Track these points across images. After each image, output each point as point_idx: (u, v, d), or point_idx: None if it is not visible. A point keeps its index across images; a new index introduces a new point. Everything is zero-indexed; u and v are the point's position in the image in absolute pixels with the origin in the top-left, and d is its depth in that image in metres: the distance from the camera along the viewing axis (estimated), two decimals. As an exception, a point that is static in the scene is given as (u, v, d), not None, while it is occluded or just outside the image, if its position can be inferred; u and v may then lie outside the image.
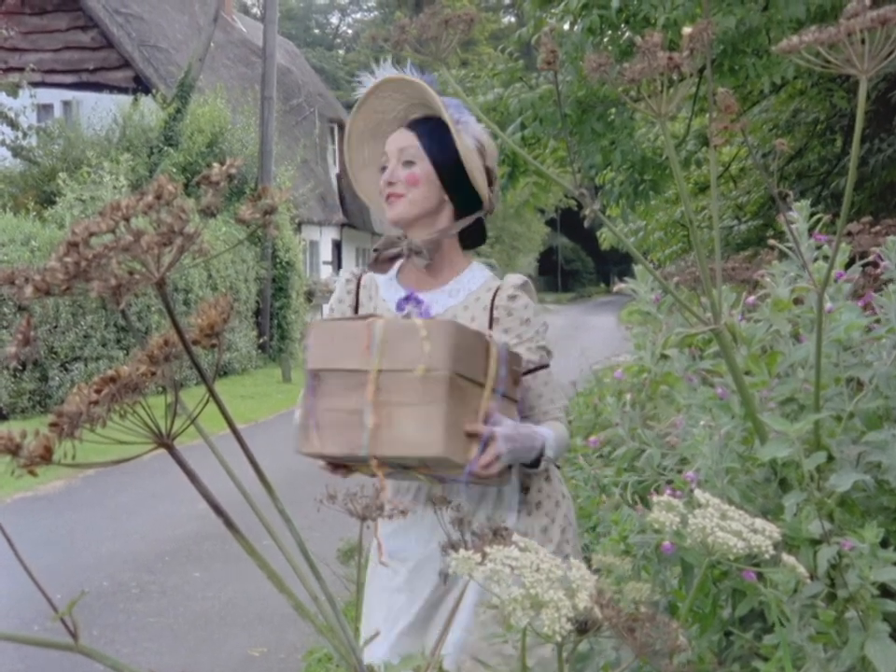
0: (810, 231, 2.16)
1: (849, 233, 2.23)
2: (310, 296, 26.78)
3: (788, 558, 1.42)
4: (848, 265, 2.12)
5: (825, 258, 2.12)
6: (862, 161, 9.46)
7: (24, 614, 6.67)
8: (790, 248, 2.14)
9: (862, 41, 1.56)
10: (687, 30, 1.64)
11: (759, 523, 1.37)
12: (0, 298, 14.40)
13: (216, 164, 1.05)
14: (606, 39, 7.97)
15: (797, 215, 2.13)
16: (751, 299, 2.23)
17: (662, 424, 2.34)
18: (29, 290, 0.99)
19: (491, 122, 2.13)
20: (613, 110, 8.27)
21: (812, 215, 2.18)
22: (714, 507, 1.38)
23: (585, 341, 26.00)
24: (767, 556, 1.32)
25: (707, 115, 2.25)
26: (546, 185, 9.75)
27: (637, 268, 2.34)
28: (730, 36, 6.94)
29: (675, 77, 1.64)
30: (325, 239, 32.10)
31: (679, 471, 2.13)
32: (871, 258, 2.02)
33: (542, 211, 60.82)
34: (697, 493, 1.40)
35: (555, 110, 8.00)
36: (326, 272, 31.35)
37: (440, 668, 1.60)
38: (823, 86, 9.96)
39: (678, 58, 1.59)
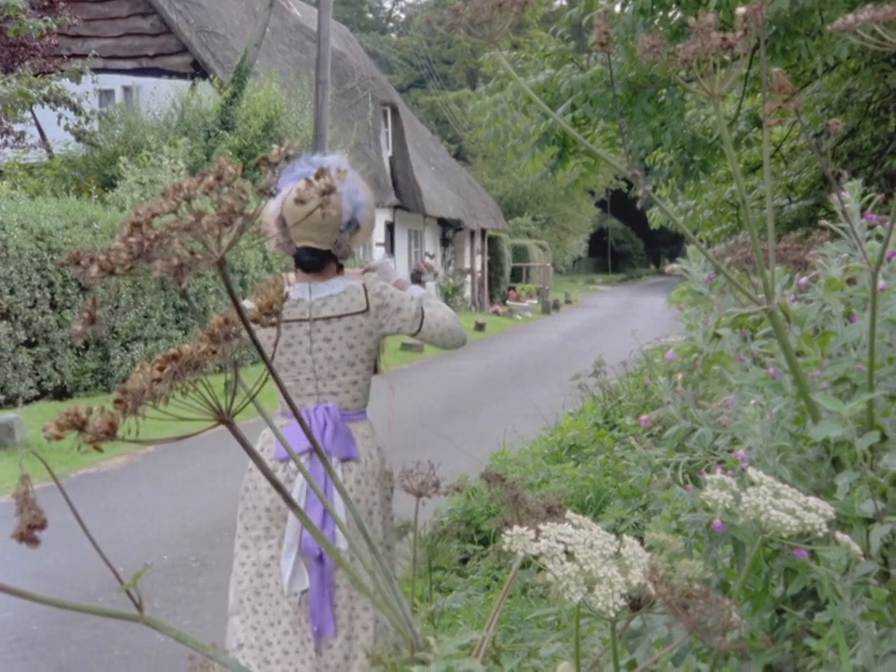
0: (862, 210, 2.15)
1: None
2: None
3: (842, 536, 1.42)
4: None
5: (878, 237, 2.11)
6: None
7: (89, 587, 6.83)
8: (842, 228, 2.13)
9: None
10: (741, 10, 1.64)
11: (812, 501, 1.37)
12: (64, 279, 14.67)
13: (274, 146, 1.07)
14: (657, 21, 7.92)
15: (849, 195, 2.12)
16: (804, 280, 2.22)
17: (714, 403, 2.34)
18: (94, 270, 1.01)
19: (542, 102, 2.13)
20: (664, 91, 8.23)
21: (864, 195, 2.17)
22: (767, 485, 1.39)
23: (635, 322, 25.99)
24: (821, 534, 1.32)
25: (759, 95, 2.25)
26: (595, 165, 9.71)
27: (689, 248, 2.34)
28: (783, 17, 6.88)
29: (728, 57, 1.63)
30: (378, 221, 32.20)
31: (731, 451, 2.13)
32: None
33: (592, 193, 60.80)
34: (751, 471, 1.41)
35: (606, 91, 7.98)
36: (378, 253, 31.59)
37: (493, 643, 1.62)
38: (877, 66, 9.86)
39: (731, 38, 1.59)
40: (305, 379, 3.86)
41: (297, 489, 3.61)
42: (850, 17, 1.56)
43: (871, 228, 2.12)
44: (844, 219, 2.08)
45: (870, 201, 2.16)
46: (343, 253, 3.97)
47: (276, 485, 1.20)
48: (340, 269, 4.04)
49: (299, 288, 3.91)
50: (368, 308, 3.89)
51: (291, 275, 3.99)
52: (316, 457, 3.45)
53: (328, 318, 3.90)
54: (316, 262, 3.93)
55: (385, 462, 3.96)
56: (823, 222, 2.21)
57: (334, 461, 3.73)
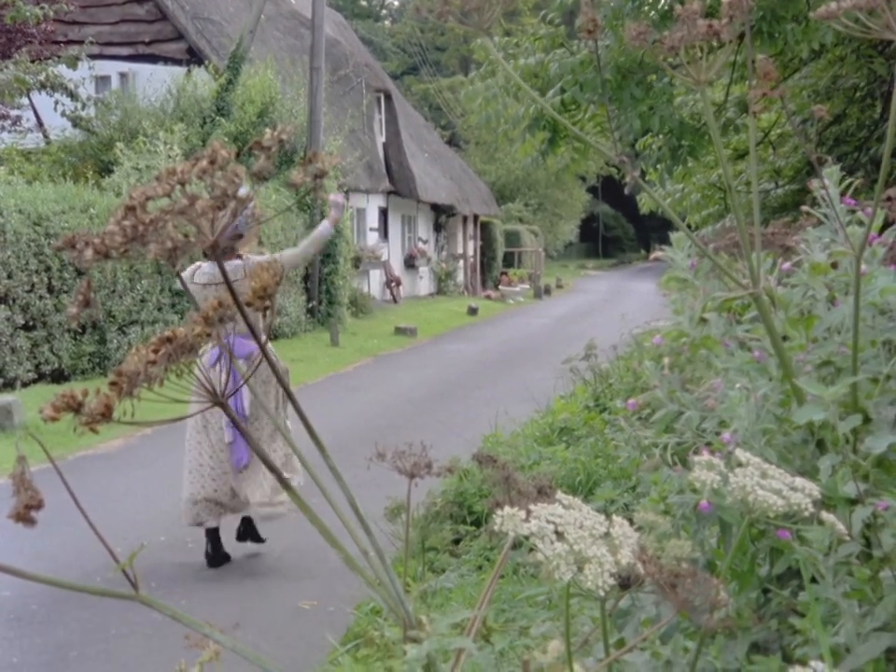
0: (842, 195, 2.17)
1: (889, 198, 2.24)
2: (357, 262, 27.14)
3: (827, 516, 1.44)
4: (881, 231, 2.13)
5: (859, 223, 2.13)
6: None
7: (86, 567, 6.88)
8: (823, 214, 2.15)
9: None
10: (726, -3, 1.65)
11: (798, 481, 1.39)
12: (61, 263, 14.75)
13: (267, 130, 1.08)
14: (646, 8, 7.93)
15: (827, 181, 2.14)
16: (787, 265, 2.24)
17: (700, 387, 2.36)
18: (89, 253, 1.02)
19: (529, 89, 2.14)
20: (653, 76, 8.24)
21: (849, 180, 2.19)
22: (755, 466, 1.41)
23: (625, 306, 26.07)
24: (807, 514, 1.34)
25: (747, 82, 2.26)
26: (585, 150, 9.72)
27: (673, 235, 2.36)
28: (769, 2, 6.89)
29: (714, 44, 1.65)
30: (371, 206, 32.44)
31: (718, 433, 2.15)
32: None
33: (584, 179, 60.83)
34: (738, 452, 1.43)
35: (595, 76, 7.98)
36: (372, 238, 31.74)
37: (485, 623, 1.64)
38: (863, 52, 9.88)
39: (717, 25, 1.61)
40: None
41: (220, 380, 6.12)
42: (833, 4, 1.58)
43: (851, 213, 2.14)
44: (824, 205, 2.10)
45: (849, 186, 2.18)
46: (236, 245, 6.70)
47: (270, 466, 1.23)
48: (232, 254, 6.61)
49: (210, 265, 6.87)
50: (248, 274, 6.21)
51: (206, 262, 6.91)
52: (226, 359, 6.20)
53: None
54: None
55: (280, 361, 7.54)
56: (805, 208, 2.23)
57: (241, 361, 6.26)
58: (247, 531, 7.61)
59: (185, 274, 7.00)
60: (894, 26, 1.56)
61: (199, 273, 7.01)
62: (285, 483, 1.28)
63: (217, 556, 7.34)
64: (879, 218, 1.93)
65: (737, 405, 1.97)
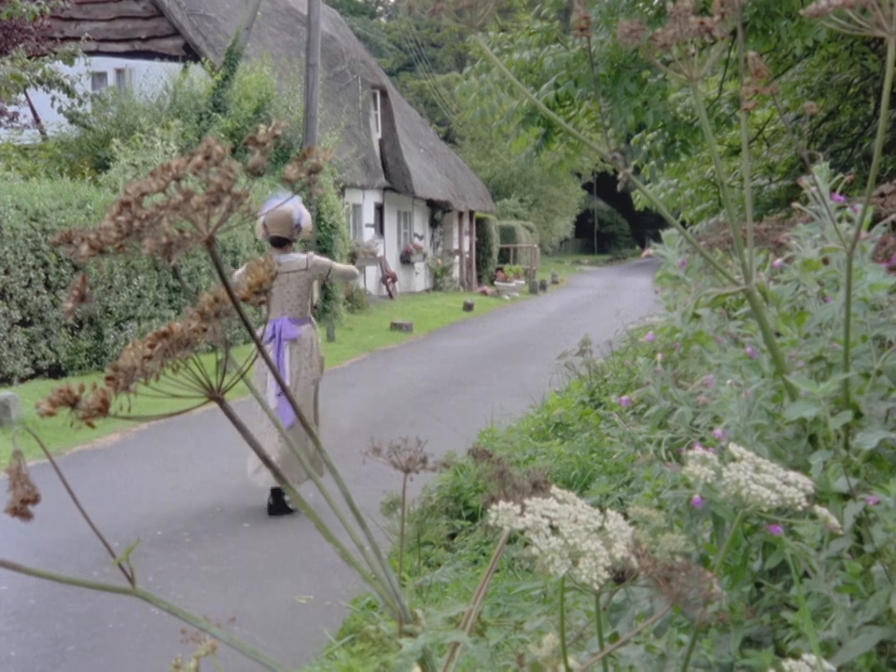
0: (833, 192, 2.18)
1: (882, 194, 2.24)
2: (353, 257, 27.19)
3: (821, 510, 1.44)
4: (870, 227, 2.14)
5: (848, 220, 2.13)
6: (894, 123, 9.41)
7: (83, 561, 6.90)
8: (814, 211, 2.16)
9: (891, 3, 1.57)
10: (718, -5, 1.65)
11: (792, 475, 1.40)
12: (58, 259, 14.79)
13: (262, 126, 1.09)
14: (641, 4, 7.93)
15: (817, 178, 2.15)
16: (778, 261, 2.24)
17: (694, 383, 2.37)
18: (84, 249, 1.03)
19: (522, 86, 2.15)
20: (648, 72, 8.24)
21: (839, 176, 2.20)
22: (748, 460, 1.42)
23: (620, 302, 26.09)
24: (800, 508, 1.35)
25: (740, 78, 2.27)
26: (579, 146, 9.73)
27: (664, 233, 2.36)
28: (763, -1, 6.89)
29: (707, 41, 1.65)
30: (367, 202, 32.46)
31: (712, 429, 2.16)
32: (892, 217, 2.03)
33: (579, 175, 60.87)
34: (732, 447, 1.43)
35: (590, 71, 7.99)
36: (368, 234, 31.78)
37: (479, 618, 1.65)
38: (857, 49, 9.90)
39: (709, 22, 1.61)
40: (277, 303, 8.22)
41: (272, 356, 7.68)
42: (823, 2, 1.58)
43: (840, 209, 2.14)
44: (814, 201, 2.11)
45: (839, 182, 2.18)
46: (295, 239, 8.45)
47: (266, 461, 1.24)
48: (291, 248, 8.51)
49: (274, 255, 7.21)
50: (307, 267, 8.38)
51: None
52: (280, 339, 8.26)
53: (287, 272, 8.31)
54: (282, 242, 8.43)
55: (316, 346, 8.51)
56: (795, 204, 2.23)
57: (285, 342, 8.27)
58: (277, 504, 8.38)
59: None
60: (884, 23, 1.56)
61: None
62: (280, 477, 1.28)
63: (276, 506, 8.35)
64: (868, 214, 1.94)
65: (729, 401, 1.98)
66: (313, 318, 8.62)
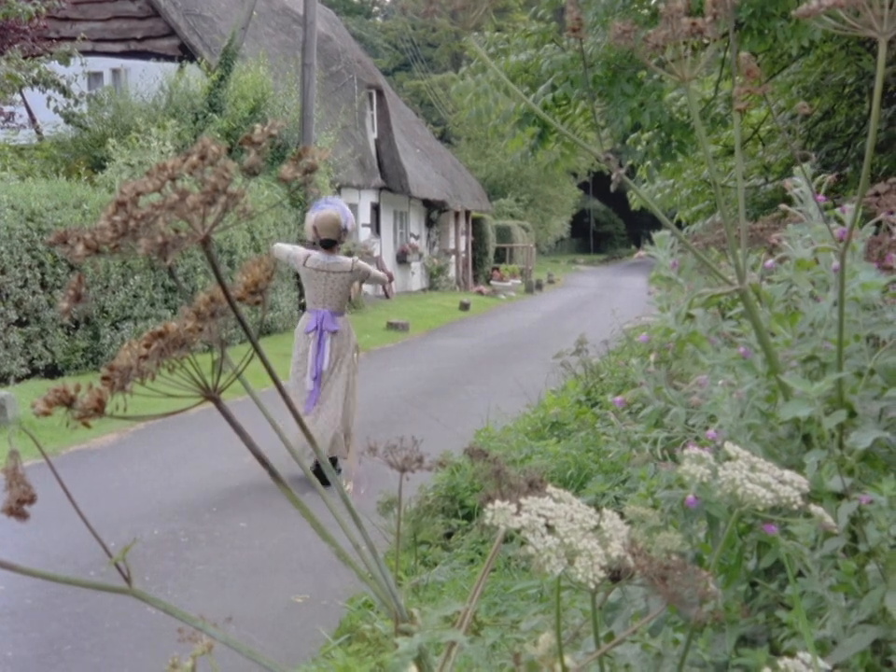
0: (817, 192, 2.18)
1: (877, 193, 2.25)
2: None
3: (816, 508, 1.44)
4: (860, 226, 2.14)
5: (837, 220, 2.14)
6: (890, 122, 9.42)
7: (80, 561, 6.90)
8: (800, 211, 2.17)
9: (882, 4, 1.57)
10: (711, -4, 1.65)
11: (788, 474, 1.40)
12: (54, 259, 14.78)
13: (258, 125, 1.09)
14: (635, 5, 7.94)
15: (800, 179, 2.15)
16: (770, 262, 2.25)
17: (687, 383, 2.37)
18: (80, 249, 1.03)
19: (517, 89, 2.15)
20: (643, 73, 8.25)
21: (824, 177, 2.21)
22: (744, 459, 1.42)
23: (616, 301, 26.10)
24: (795, 507, 1.35)
25: (734, 78, 2.27)
26: (574, 146, 9.74)
27: (656, 234, 2.37)
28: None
29: (699, 41, 1.65)
30: (364, 202, 32.46)
31: (707, 429, 2.16)
32: (879, 217, 2.03)
33: (575, 175, 60.90)
34: (728, 446, 1.44)
35: (585, 73, 7.99)
36: (364, 234, 31.72)
37: (475, 618, 1.65)
38: (852, 49, 9.91)
39: (701, 23, 1.61)
40: (320, 297, 9.16)
41: (312, 344, 9.10)
42: (815, 2, 1.58)
43: (826, 209, 2.15)
44: (799, 203, 2.12)
45: (821, 184, 2.19)
46: (342, 241, 9.42)
47: (262, 461, 1.24)
48: (337, 249, 9.38)
49: (323, 256, 9.27)
50: (351, 270, 9.27)
51: (318, 252, 9.33)
52: (322, 330, 9.10)
53: (333, 272, 9.17)
54: (330, 244, 9.31)
55: (352, 334, 9.47)
56: (783, 206, 2.24)
57: (325, 333, 9.11)
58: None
59: (297, 255, 9.39)
60: (875, 24, 1.56)
61: (310, 259, 9.30)
62: (274, 474, 1.29)
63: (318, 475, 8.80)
64: (858, 214, 1.94)
65: (722, 401, 1.98)
66: (346, 312, 9.65)
